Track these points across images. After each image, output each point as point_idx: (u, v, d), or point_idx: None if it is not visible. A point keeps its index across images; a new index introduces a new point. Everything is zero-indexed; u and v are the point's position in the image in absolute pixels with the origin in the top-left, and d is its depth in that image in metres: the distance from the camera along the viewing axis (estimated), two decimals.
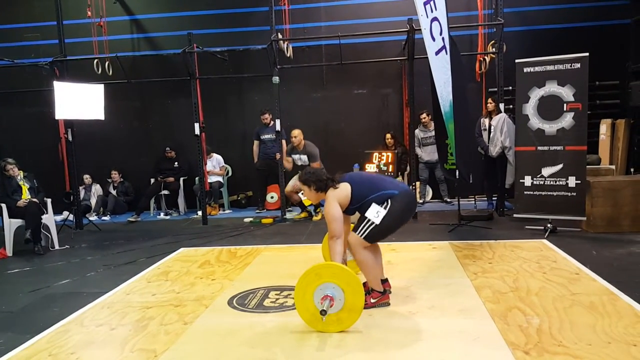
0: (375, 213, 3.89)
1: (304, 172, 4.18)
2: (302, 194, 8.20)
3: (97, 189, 9.95)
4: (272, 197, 9.32)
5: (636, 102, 8.28)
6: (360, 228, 3.94)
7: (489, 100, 7.90)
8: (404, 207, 3.99)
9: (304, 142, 8.28)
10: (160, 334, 3.78)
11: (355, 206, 3.99)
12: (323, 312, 3.49)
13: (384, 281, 4.34)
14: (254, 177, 9.49)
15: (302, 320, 3.72)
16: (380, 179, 4.16)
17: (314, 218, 8.32)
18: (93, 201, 9.79)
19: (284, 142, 8.73)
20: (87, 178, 9.81)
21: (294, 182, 8.25)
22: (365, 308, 4.02)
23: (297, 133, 8.27)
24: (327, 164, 8.63)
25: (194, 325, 3.93)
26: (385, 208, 3.90)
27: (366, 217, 3.92)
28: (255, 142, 9.15)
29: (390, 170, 7.87)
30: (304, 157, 8.25)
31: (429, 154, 8.90)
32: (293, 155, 8.38)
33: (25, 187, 7.09)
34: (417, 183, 8.84)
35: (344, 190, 3.98)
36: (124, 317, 4.20)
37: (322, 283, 3.60)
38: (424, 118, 8.82)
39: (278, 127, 8.28)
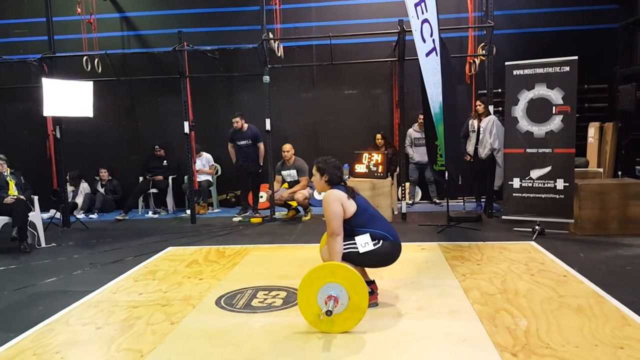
0: (364, 243, 3.91)
1: (323, 159, 4.11)
2: (287, 198, 8.30)
3: (84, 187, 9.86)
4: (261, 197, 9.29)
5: (624, 106, 8.35)
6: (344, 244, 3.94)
7: (478, 102, 7.93)
8: (389, 254, 4.03)
9: (294, 158, 8.32)
10: (147, 334, 3.75)
11: (348, 229, 3.95)
12: (329, 313, 3.48)
13: (370, 282, 4.34)
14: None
15: (306, 321, 3.71)
16: (383, 219, 4.15)
17: (304, 218, 8.31)
18: (80, 199, 9.70)
19: (261, 145, 8.77)
20: (73, 174, 9.71)
21: (282, 192, 8.27)
22: None
23: (288, 147, 8.28)
24: None
25: (181, 325, 3.90)
26: (374, 246, 3.91)
27: (353, 239, 3.92)
28: (230, 144, 9.05)
29: (380, 170, 7.86)
30: (294, 172, 8.31)
31: (421, 154, 8.90)
32: (283, 172, 8.41)
33: (12, 183, 7.02)
34: (407, 184, 8.85)
35: (351, 205, 3.94)
36: (110, 316, 4.16)
37: (326, 283, 3.60)
38: (421, 119, 8.82)
39: (268, 127, 8.26)
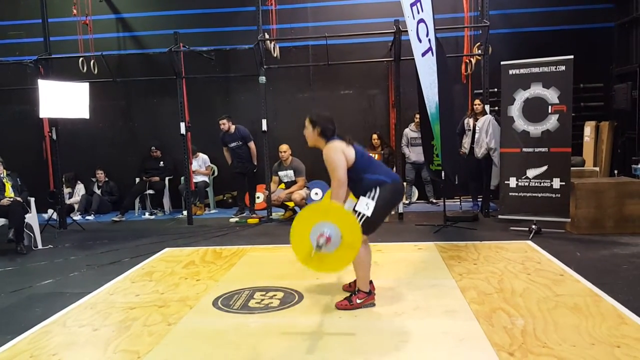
0: (365, 205, 3.88)
1: (316, 112, 4.12)
2: (284, 198, 8.29)
3: (78, 189, 9.83)
4: (258, 198, 9.29)
5: (620, 105, 8.38)
6: None
7: (477, 101, 7.94)
8: (392, 195, 4.01)
9: (291, 158, 8.32)
10: (144, 335, 3.75)
11: (355, 176, 3.93)
12: (318, 248, 3.52)
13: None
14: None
15: (297, 259, 3.74)
16: (378, 163, 4.15)
17: None
18: (74, 200, 9.68)
19: (251, 145, 8.81)
20: (69, 176, 9.69)
21: (280, 193, 8.27)
22: (351, 309, 4.04)
23: (285, 148, 8.28)
24: (314, 164, 8.64)
25: (178, 326, 3.90)
26: (372, 198, 3.88)
27: (356, 211, 3.90)
28: (224, 148, 9.03)
29: None
30: (290, 173, 8.31)
31: (417, 154, 8.90)
32: (279, 173, 8.41)
33: (8, 185, 7.00)
34: (404, 184, 8.84)
35: (351, 151, 3.95)
36: (107, 317, 4.16)
37: (319, 222, 3.60)
38: (417, 118, 8.81)
39: (265, 127, 8.26)
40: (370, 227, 3.93)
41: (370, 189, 3.92)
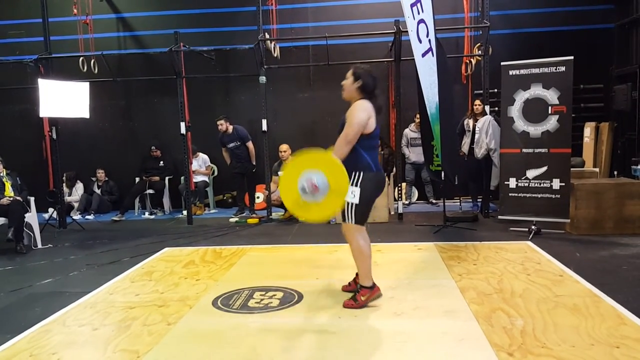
0: (352, 194, 3.92)
1: (363, 66, 4.12)
2: None
3: (78, 188, 9.81)
4: (257, 198, 9.29)
5: (620, 106, 8.38)
6: (345, 215, 3.98)
7: (477, 101, 7.94)
8: (375, 184, 4.04)
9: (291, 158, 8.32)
10: (144, 335, 3.74)
11: (357, 147, 3.93)
12: (303, 192, 3.64)
13: None
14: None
15: (285, 206, 3.85)
16: (377, 149, 4.18)
17: (300, 218, 8.28)
18: (73, 198, 9.68)
19: (249, 144, 8.82)
20: (69, 175, 9.67)
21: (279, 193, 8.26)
22: (357, 307, 4.03)
23: (285, 148, 8.28)
24: None
25: (178, 326, 3.90)
26: (357, 185, 3.93)
27: (345, 202, 3.93)
28: (223, 148, 9.03)
29: None
30: None
31: (417, 154, 8.90)
32: (279, 173, 8.37)
33: (8, 184, 7.00)
34: (403, 184, 8.85)
35: (373, 122, 3.97)
36: (107, 317, 4.16)
37: (307, 170, 3.69)
38: (418, 119, 8.82)
39: (265, 127, 8.26)
40: (361, 214, 3.99)
41: (356, 169, 3.94)
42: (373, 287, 4.15)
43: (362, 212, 3.99)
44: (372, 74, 4.10)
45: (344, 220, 4.01)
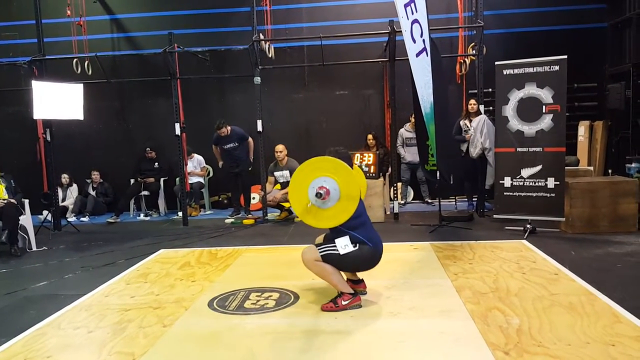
0: (344, 245, 3.95)
1: (335, 150, 4.15)
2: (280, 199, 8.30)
3: (72, 190, 9.78)
4: (253, 199, 9.28)
5: (613, 104, 8.40)
6: (323, 247, 3.99)
7: (472, 101, 7.95)
8: (368, 258, 4.08)
9: (287, 159, 8.31)
10: (139, 337, 3.73)
11: (339, 228, 3.98)
12: (318, 195, 3.70)
13: (359, 282, 4.37)
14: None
15: (295, 213, 3.93)
16: (370, 226, 4.17)
17: (296, 219, 8.30)
18: (69, 202, 9.65)
19: (250, 140, 8.83)
20: (65, 178, 9.65)
21: (275, 194, 8.26)
22: (337, 310, 4.03)
23: (281, 148, 8.27)
24: None
25: (174, 328, 3.89)
26: (355, 246, 3.96)
27: (334, 242, 3.96)
28: (215, 146, 8.94)
29: (371, 171, 7.87)
30: (286, 173, 8.29)
31: (412, 154, 8.90)
32: (275, 173, 8.40)
33: (2, 186, 6.96)
34: (399, 184, 8.86)
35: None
36: (102, 319, 4.15)
37: (316, 178, 3.77)
38: (413, 119, 8.82)
39: (260, 128, 8.25)
40: (332, 262, 4.00)
41: (357, 242, 3.99)
42: (355, 294, 4.14)
43: (336, 261, 3.99)
44: (346, 154, 4.19)
45: (317, 245, 4.03)
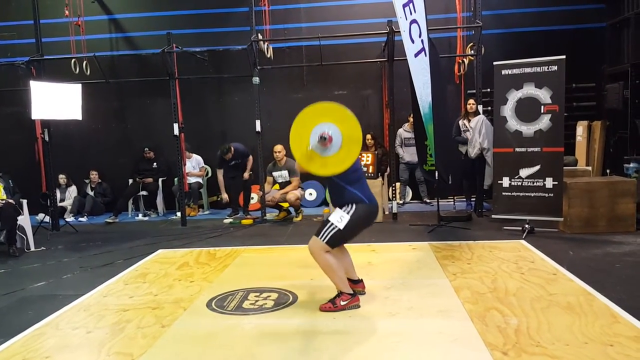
0: (339, 218, 3.93)
1: None
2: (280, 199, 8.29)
3: (70, 190, 9.77)
4: (252, 199, 9.28)
5: (612, 104, 8.41)
6: (322, 232, 3.95)
7: (471, 101, 7.95)
8: (366, 216, 4.05)
9: (286, 159, 8.31)
10: (138, 337, 3.73)
11: (338, 182, 3.98)
12: (322, 139, 3.70)
13: (358, 281, 4.36)
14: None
15: (299, 163, 3.96)
16: (365, 182, 4.16)
17: (295, 219, 8.30)
18: (67, 202, 9.64)
19: (250, 158, 8.81)
20: (62, 178, 9.63)
21: (274, 194, 8.26)
22: (335, 310, 4.03)
23: (280, 148, 8.27)
24: None
25: (172, 328, 3.89)
26: (348, 213, 3.93)
27: (329, 221, 3.95)
28: (220, 171, 8.81)
29: (370, 171, 7.88)
30: (285, 173, 8.29)
31: (411, 154, 8.91)
32: (274, 173, 8.39)
33: (0, 187, 6.96)
34: (398, 184, 8.86)
35: None
36: (101, 320, 4.14)
37: (317, 124, 3.77)
38: (411, 119, 8.81)
39: (258, 128, 8.25)
40: (338, 240, 3.97)
41: (348, 203, 3.97)
42: (354, 295, 4.14)
43: (340, 238, 3.98)
44: None
45: (317, 234, 3.98)
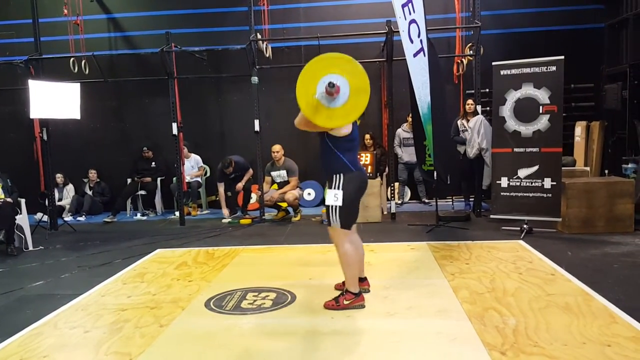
0: (334, 197, 3.94)
1: None
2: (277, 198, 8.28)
3: (68, 189, 9.75)
4: (251, 198, 9.27)
5: (610, 105, 8.41)
6: (330, 219, 3.98)
7: (470, 101, 7.96)
8: (357, 183, 4.05)
9: (284, 158, 8.31)
10: (136, 337, 3.73)
11: (331, 146, 3.99)
12: (331, 85, 3.64)
13: (363, 280, 4.36)
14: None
15: (305, 115, 3.86)
16: (356, 152, 4.20)
17: (294, 219, 8.30)
18: (66, 202, 9.63)
19: (250, 171, 8.82)
20: (59, 177, 9.61)
21: (273, 193, 8.25)
22: (338, 309, 4.03)
23: (278, 148, 8.27)
24: (307, 165, 8.65)
25: (170, 328, 3.88)
26: (339, 188, 3.94)
27: (329, 206, 3.96)
28: (221, 184, 8.76)
29: (369, 171, 7.88)
30: (283, 173, 8.30)
31: (410, 154, 8.91)
32: (272, 173, 8.39)
33: None
34: (396, 184, 8.86)
35: (348, 126, 4.01)
36: (99, 319, 4.14)
37: (326, 74, 3.73)
38: (410, 119, 8.81)
39: (257, 127, 8.24)
40: (347, 216, 3.98)
41: (335, 173, 3.98)
42: (359, 294, 4.15)
43: (347, 213, 3.98)
44: None
45: (329, 223, 4.01)
